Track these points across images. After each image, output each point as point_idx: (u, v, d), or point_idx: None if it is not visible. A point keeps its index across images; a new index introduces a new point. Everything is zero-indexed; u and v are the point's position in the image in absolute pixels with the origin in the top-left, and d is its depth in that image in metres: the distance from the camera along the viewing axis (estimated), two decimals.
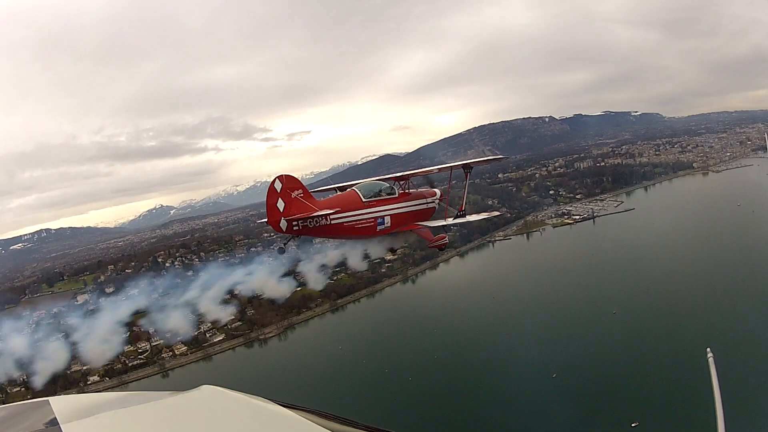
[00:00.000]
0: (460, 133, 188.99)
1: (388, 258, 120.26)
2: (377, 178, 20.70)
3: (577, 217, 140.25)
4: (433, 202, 21.29)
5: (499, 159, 26.72)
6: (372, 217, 18.85)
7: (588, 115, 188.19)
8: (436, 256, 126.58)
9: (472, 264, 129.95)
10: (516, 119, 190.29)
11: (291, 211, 16.52)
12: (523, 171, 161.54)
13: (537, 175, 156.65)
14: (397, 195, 20.00)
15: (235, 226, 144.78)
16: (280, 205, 16.40)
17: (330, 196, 20.18)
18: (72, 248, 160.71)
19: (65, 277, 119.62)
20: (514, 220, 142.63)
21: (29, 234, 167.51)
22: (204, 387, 4.90)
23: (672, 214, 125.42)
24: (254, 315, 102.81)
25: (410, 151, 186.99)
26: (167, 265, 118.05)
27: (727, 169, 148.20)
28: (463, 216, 20.58)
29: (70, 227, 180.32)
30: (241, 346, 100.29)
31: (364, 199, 18.88)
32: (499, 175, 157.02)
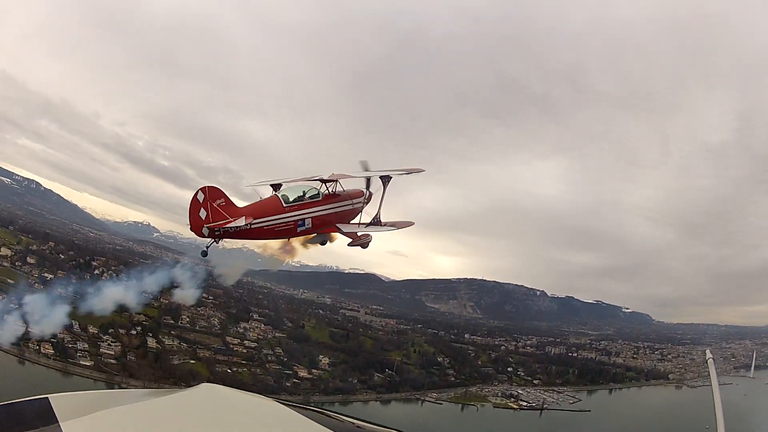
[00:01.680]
0: (449, 279, 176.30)
1: (302, 375, 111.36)
2: (303, 178, 20.90)
3: (525, 403, 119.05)
4: (360, 202, 21.70)
5: (419, 170, 22.33)
6: (292, 221, 19.52)
7: (580, 300, 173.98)
8: (353, 392, 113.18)
9: (389, 416, 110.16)
10: (509, 284, 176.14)
11: (213, 219, 17.78)
12: (492, 339, 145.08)
13: (503, 348, 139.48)
14: (320, 198, 20.38)
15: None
16: (203, 213, 17.57)
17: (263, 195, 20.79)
18: (49, 212, 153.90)
19: (10, 228, 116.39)
20: (457, 385, 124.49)
21: (21, 177, 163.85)
22: (204, 385, 5.11)
23: (627, 427, 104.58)
24: (132, 362, 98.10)
25: (398, 279, 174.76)
26: (96, 272, 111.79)
27: (703, 386, 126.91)
28: (378, 224, 20.75)
29: (59, 195, 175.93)
30: (102, 381, 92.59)
31: (285, 204, 19.60)
32: (466, 335, 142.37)
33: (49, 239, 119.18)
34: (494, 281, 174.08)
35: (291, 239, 20.92)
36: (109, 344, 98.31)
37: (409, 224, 21.45)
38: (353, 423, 4.34)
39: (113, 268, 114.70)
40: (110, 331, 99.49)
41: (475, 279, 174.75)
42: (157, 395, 4.94)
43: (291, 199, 19.90)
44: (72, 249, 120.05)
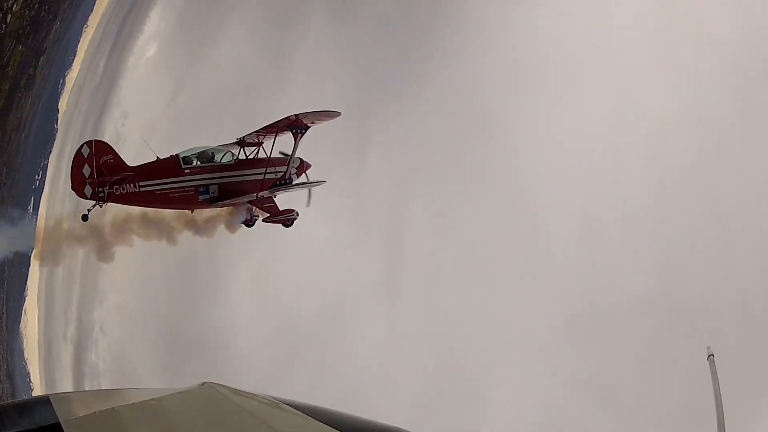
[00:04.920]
0: None
1: None
2: (223, 144, 18.40)
3: None
4: (282, 172, 18.70)
5: (336, 115, 18.84)
6: (191, 186, 16.96)
7: None
8: None
9: None
10: None
11: (97, 176, 15.82)
12: None
13: None
14: (233, 162, 17.80)
15: None
16: (86, 171, 15.74)
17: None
18: None
19: None
20: None
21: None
22: (206, 384, 4.77)
23: None
24: None
25: None
26: None
27: None
28: (286, 184, 18.19)
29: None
30: None
31: (183, 165, 16.97)
32: None
33: None
34: None
35: (193, 210, 18.15)
36: None
37: (321, 182, 19.38)
38: (360, 420, 4.34)
39: None
40: None
41: None
42: (159, 394, 4.86)
43: (195, 161, 17.28)
44: None
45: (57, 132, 41.05)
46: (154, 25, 44.02)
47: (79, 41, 42.17)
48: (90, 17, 41.88)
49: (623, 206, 39.82)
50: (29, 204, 40.05)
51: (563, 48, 40.97)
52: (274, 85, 41.11)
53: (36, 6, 30.42)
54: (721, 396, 7.81)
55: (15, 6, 26.81)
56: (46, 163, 40.50)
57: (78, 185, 15.90)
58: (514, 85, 41.23)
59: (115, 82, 43.04)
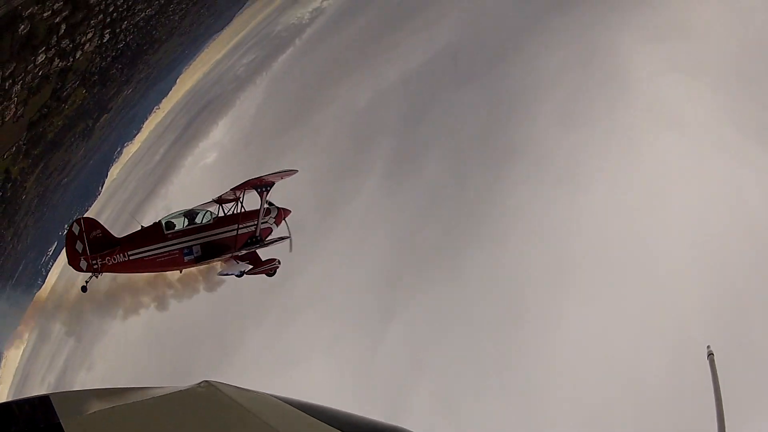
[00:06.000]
0: None
1: None
2: (202, 204, 19.26)
3: None
4: (266, 222, 19.95)
5: (293, 172, 20.39)
6: (176, 249, 18.10)
7: None
8: None
9: None
10: None
11: (89, 251, 17.09)
12: None
13: None
14: (211, 221, 18.82)
15: None
16: (79, 246, 16.90)
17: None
18: None
19: None
20: None
21: None
22: (206, 382, 4.42)
23: None
24: None
25: None
26: None
27: None
28: (258, 243, 19.28)
29: None
30: None
31: (165, 231, 18.06)
32: None
33: None
34: None
35: (182, 270, 19.13)
36: None
37: (286, 238, 20.05)
38: (361, 420, 3.92)
39: None
40: None
41: None
42: (159, 393, 4.41)
43: (177, 225, 18.42)
44: None
45: (100, 194, 41.64)
46: (219, 135, 46.05)
47: (147, 119, 43.43)
48: (163, 101, 43.61)
49: (636, 407, 37.22)
50: (51, 247, 40.00)
51: (600, 242, 41.32)
52: (317, 229, 41.15)
53: (109, 59, 30.82)
54: (721, 397, 7.28)
55: (88, 45, 26.61)
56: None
57: (73, 260, 17.02)
58: (547, 278, 41.25)
59: (168, 174, 44.29)
